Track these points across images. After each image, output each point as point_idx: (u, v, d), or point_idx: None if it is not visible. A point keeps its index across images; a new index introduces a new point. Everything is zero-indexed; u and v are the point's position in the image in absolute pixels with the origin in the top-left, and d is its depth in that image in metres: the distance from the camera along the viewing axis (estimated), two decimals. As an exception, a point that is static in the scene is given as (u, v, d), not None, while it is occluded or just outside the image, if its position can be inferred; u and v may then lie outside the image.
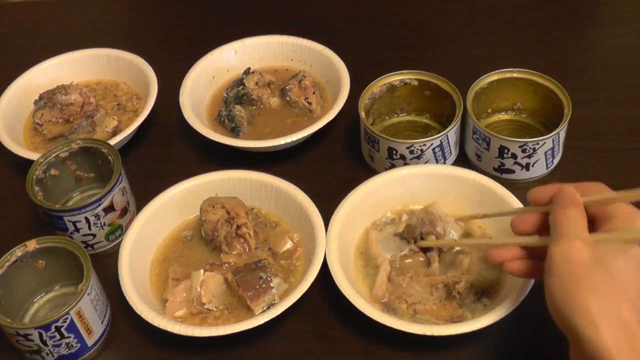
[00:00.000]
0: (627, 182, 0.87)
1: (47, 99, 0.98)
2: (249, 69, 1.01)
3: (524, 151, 0.85)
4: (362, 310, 0.72)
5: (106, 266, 0.81)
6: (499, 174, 0.88)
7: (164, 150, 0.99)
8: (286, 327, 0.77)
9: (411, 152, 0.86)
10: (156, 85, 0.98)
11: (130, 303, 0.75)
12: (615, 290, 0.58)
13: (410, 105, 0.96)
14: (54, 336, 0.71)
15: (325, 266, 0.76)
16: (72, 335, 0.72)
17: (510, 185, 0.83)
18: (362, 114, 0.89)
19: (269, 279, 0.77)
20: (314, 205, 0.81)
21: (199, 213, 0.84)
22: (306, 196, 0.83)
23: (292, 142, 0.91)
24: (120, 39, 1.15)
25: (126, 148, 0.96)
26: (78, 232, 0.82)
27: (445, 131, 0.86)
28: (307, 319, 0.78)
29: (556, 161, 0.89)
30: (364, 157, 0.93)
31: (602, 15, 1.17)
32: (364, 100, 0.91)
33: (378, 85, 0.92)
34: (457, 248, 0.80)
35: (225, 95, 1.00)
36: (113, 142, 0.90)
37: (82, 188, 0.91)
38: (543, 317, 0.75)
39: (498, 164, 0.87)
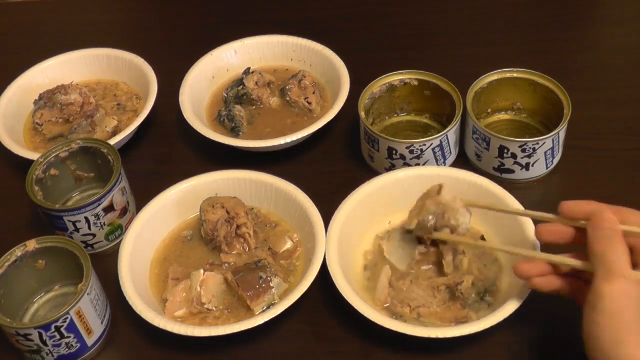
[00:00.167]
0: (627, 182, 0.88)
1: (47, 99, 0.98)
2: (249, 69, 1.01)
3: (524, 151, 0.85)
4: (363, 314, 0.72)
5: (106, 266, 0.81)
6: (499, 174, 0.88)
7: (164, 150, 0.99)
8: (286, 327, 0.77)
9: (411, 152, 0.86)
10: (156, 85, 0.98)
11: (130, 303, 0.75)
12: None
13: (410, 105, 0.96)
14: (54, 336, 0.71)
15: (325, 266, 0.76)
16: (72, 335, 0.72)
17: (510, 185, 0.83)
18: (362, 114, 0.89)
19: (269, 279, 0.77)
20: (314, 205, 0.81)
21: (199, 213, 0.84)
22: (306, 196, 0.83)
23: (292, 142, 0.91)
24: (120, 39, 1.15)
25: (126, 148, 0.96)
26: (78, 232, 0.82)
27: (445, 131, 0.86)
28: (307, 319, 0.78)
29: (556, 161, 0.89)
30: (364, 157, 0.93)
31: (602, 15, 1.17)
32: (364, 100, 0.91)
33: (378, 85, 0.92)
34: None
35: (225, 95, 1.00)
36: (113, 142, 0.90)
37: (82, 188, 0.91)
38: (544, 317, 0.75)
39: (498, 164, 0.87)
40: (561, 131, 0.85)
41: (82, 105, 0.98)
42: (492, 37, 1.11)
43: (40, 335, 0.70)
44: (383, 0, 1.20)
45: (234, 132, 0.95)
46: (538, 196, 0.87)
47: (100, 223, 0.82)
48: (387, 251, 0.80)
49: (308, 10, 1.20)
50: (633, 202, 0.66)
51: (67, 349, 0.73)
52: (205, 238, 0.83)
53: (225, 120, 0.96)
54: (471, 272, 0.78)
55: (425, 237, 0.77)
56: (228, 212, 0.82)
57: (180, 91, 0.97)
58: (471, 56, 1.07)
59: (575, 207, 0.67)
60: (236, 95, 0.99)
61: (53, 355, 0.73)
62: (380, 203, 0.83)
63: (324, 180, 0.91)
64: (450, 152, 0.89)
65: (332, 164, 0.94)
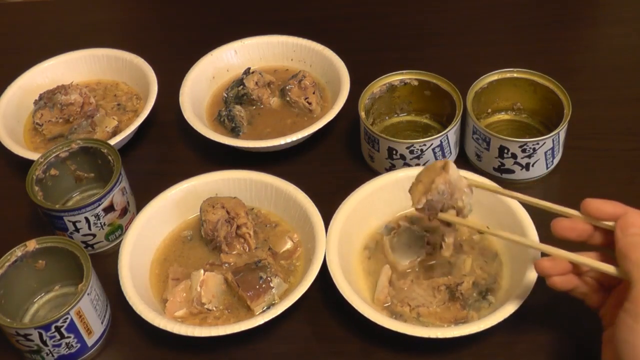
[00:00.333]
0: (627, 182, 0.88)
1: (47, 99, 0.98)
2: (249, 69, 1.01)
3: (524, 151, 0.85)
4: (363, 313, 0.72)
5: (106, 266, 0.82)
6: (499, 174, 0.88)
7: (164, 150, 0.99)
8: (286, 327, 0.77)
9: (411, 152, 0.86)
10: (156, 85, 0.98)
11: (130, 303, 0.75)
12: None
13: (410, 105, 0.96)
14: (54, 336, 0.71)
15: (325, 266, 0.76)
16: (72, 335, 0.72)
17: (510, 186, 0.83)
18: (362, 114, 0.89)
19: (269, 279, 0.77)
20: (314, 205, 0.81)
21: (199, 213, 0.84)
22: (306, 196, 0.83)
23: (292, 142, 0.91)
24: (120, 39, 1.15)
25: (126, 148, 0.96)
26: (78, 232, 0.82)
27: (445, 131, 0.86)
28: (307, 319, 0.78)
29: (556, 161, 0.89)
30: (364, 157, 0.93)
31: (602, 15, 1.17)
32: (364, 100, 0.91)
33: (378, 85, 0.92)
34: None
35: (225, 95, 1.00)
36: (113, 142, 0.90)
37: (82, 188, 0.91)
38: (544, 317, 0.75)
39: (498, 164, 0.87)
40: (561, 131, 0.85)
41: (82, 105, 0.98)
42: (492, 37, 1.11)
43: (40, 335, 0.70)
44: (383, 0, 1.20)
45: (234, 132, 0.95)
46: (538, 196, 0.86)
47: (100, 223, 0.82)
48: (390, 247, 0.80)
49: (308, 10, 1.20)
50: (633, 202, 0.66)
51: (67, 349, 0.73)
52: (205, 238, 0.83)
53: (225, 120, 0.96)
54: (473, 271, 0.78)
55: (430, 218, 0.73)
56: (228, 212, 0.82)
57: (180, 91, 0.97)
58: (471, 56, 1.07)
59: (601, 206, 0.66)
60: (236, 95, 0.99)
61: (53, 355, 0.73)
62: (380, 203, 0.83)
63: (324, 180, 0.91)
64: (450, 152, 0.89)
65: (332, 164, 0.94)
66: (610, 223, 0.66)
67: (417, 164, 0.87)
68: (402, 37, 1.12)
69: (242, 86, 0.98)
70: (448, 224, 0.74)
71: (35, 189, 0.82)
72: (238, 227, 0.82)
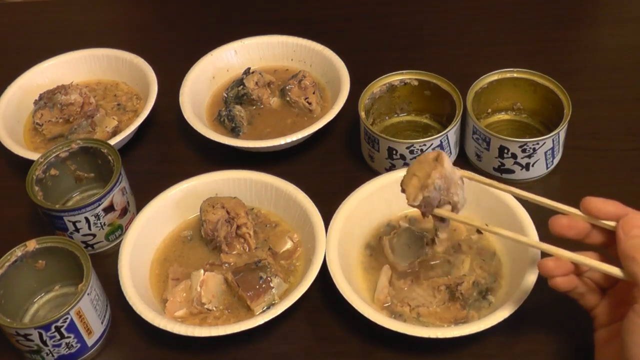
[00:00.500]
0: (627, 182, 0.88)
1: (47, 99, 0.98)
2: (249, 69, 1.01)
3: (524, 151, 0.85)
4: (363, 313, 0.72)
5: (106, 266, 0.82)
6: (499, 174, 0.88)
7: (164, 150, 0.99)
8: (286, 327, 0.77)
9: (411, 152, 0.86)
10: (156, 85, 0.98)
11: (130, 303, 0.75)
12: None
13: (410, 105, 0.96)
14: (54, 336, 0.71)
15: (325, 266, 0.76)
16: (72, 335, 0.72)
17: (510, 186, 0.83)
18: (362, 114, 0.89)
19: (269, 279, 0.77)
20: (314, 205, 0.81)
21: (199, 213, 0.84)
22: (306, 196, 0.83)
23: (292, 142, 0.91)
24: (120, 39, 1.15)
25: (126, 148, 0.96)
26: (78, 232, 0.82)
27: (445, 131, 0.86)
28: (307, 319, 0.78)
29: (556, 161, 0.89)
30: (364, 157, 0.93)
31: (602, 15, 1.17)
32: (364, 100, 0.91)
33: (378, 85, 0.92)
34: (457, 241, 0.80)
35: (225, 95, 1.00)
36: (113, 142, 0.90)
37: (82, 188, 0.91)
38: (544, 316, 0.75)
39: (498, 164, 0.87)
40: (561, 131, 0.85)
41: (82, 105, 0.98)
42: (492, 37, 1.11)
43: (40, 335, 0.70)
44: (383, 0, 1.20)
45: (234, 132, 0.95)
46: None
47: (100, 223, 0.82)
48: (390, 247, 0.80)
49: (308, 10, 1.20)
50: (633, 202, 0.66)
51: (67, 349, 0.73)
52: (205, 238, 0.83)
53: (225, 120, 0.96)
54: (473, 271, 0.78)
55: (425, 214, 0.71)
56: (228, 212, 0.82)
57: (180, 91, 0.97)
58: (471, 56, 1.07)
59: (602, 205, 0.65)
60: (236, 95, 0.99)
61: (53, 355, 0.73)
62: (380, 203, 0.83)
63: (324, 180, 0.91)
64: (450, 152, 0.89)
65: (332, 164, 0.94)
66: (610, 223, 0.65)
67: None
68: (402, 37, 1.12)
69: (242, 86, 0.98)
70: (442, 219, 0.71)
71: (35, 189, 0.82)
72: (238, 227, 0.82)
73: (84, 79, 1.05)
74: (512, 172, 0.87)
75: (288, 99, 0.98)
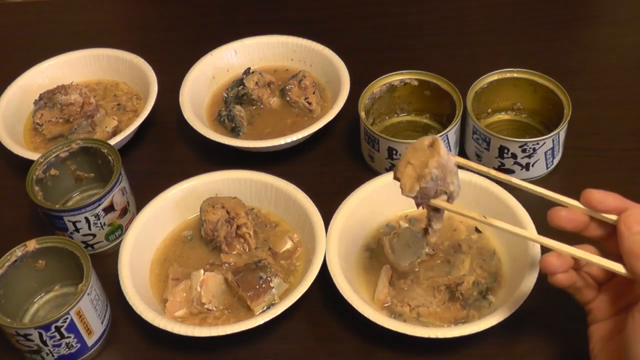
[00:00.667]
0: (627, 182, 0.88)
1: (47, 99, 0.98)
2: (249, 69, 1.01)
3: (524, 151, 0.85)
4: (363, 313, 0.72)
5: (106, 266, 0.82)
6: (499, 174, 0.88)
7: (164, 150, 0.99)
8: (286, 327, 0.77)
9: (411, 152, 0.86)
10: (156, 85, 0.98)
11: (130, 303, 0.75)
12: None
13: (410, 105, 0.96)
14: (54, 336, 0.71)
15: (325, 266, 0.76)
16: (72, 335, 0.72)
17: (510, 186, 0.83)
18: (362, 114, 0.89)
19: (269, 279, 0.77)
20: (314, 205, 0.81)
21: (199, 213, 0.84)
22: (306, 196, 0.83)
23: (292, 142, 0.91)
24: (120, 39, 1.15)
25: (126, 148, 0.96)
26: (78, 232, 0.82)
27: (445, 131, 0.86)
28: (307, 319, 0.78)
29: (556, 161, 0.89)
30: (364, 157, 0.93)
31: (602, 15, 1.17)
32: (364, 100, 0.91)
33: (378, 85, 0.92)
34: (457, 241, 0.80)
35: (225, 95, 1.00)
36: (113, 142, 0.90)
37: (82, 188, 0.91)
38: (544, 316, 0.75)
39: (498, 164, 0.87)
40: (561, 131, 0.85)
41: (82, 105, 0.98)
42: (492, 37, 1.11)
43: (40, 335, 0.70)
44: (383, 0, 1.20)
45: (234, 132, 0.95)
46: (538, 196, 0.87)
47: (100, 223, 0.82)
48: (390, 247, 0.80)
49: (308, 10, 1.20)
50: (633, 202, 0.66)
51: (67, 349, 0.73)
52: (205, 238, 0.83)
53: (225, 120, 0.96)
54: (473, 270, 0.78)
55: (421, 206, 0.68)
56: (228, 212, 0.82)
57: (180, 91, 0.97)
58: (471, 56, 1.07)
59: (603, 198, 0.64)
60: (236, 95, 0.99)
61: (53, 355, 0.73)
62: (380, 203, 0.83)
63: (324, 180, 0.91)
64: (450, 152, 0.89)
65: (332, 164, 0.94)
66: (609, 216, 0.65)
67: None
68: (402, 37, 1.12)
69: (242, 86, 0.98)
70: (437, 210, 0.68)
71: (35, 189, 0.82)
72: (238, 227, 0.82)
73: (84, 79, 1.05)
74: (512, 172, 0.87)
75: (288, 99, 0.98)
